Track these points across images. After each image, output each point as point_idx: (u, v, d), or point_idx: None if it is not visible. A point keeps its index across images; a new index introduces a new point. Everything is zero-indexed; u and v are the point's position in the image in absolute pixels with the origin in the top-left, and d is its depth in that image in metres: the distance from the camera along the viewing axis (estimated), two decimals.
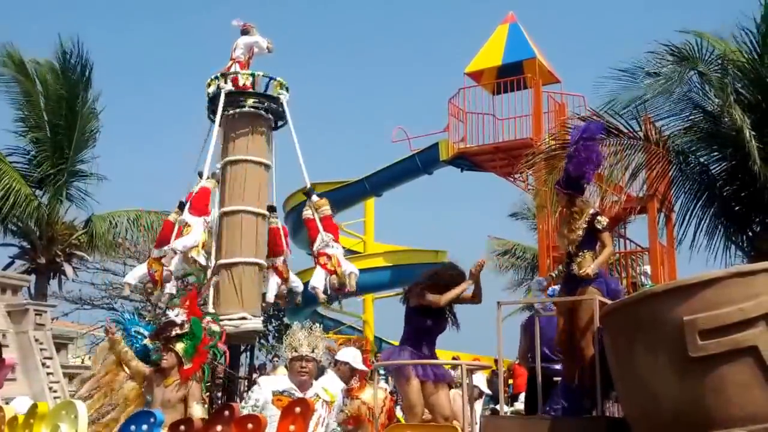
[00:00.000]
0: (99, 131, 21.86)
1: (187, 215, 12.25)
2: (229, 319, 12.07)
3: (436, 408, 7.25)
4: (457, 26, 68.88)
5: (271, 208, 13.20)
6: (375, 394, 8.23)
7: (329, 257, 12.45)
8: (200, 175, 12.86)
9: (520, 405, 12.48)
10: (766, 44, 12.37)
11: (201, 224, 12.18)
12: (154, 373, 7.89)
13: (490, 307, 7.48)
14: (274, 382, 7.44)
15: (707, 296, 5.49)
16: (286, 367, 7.83)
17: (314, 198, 13.08)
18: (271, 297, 12.79)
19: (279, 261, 12.86)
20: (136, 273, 12.82)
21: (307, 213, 13.03)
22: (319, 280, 12.42)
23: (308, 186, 13.37)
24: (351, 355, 8.94)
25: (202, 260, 12.08)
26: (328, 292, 12.82)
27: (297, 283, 13.19)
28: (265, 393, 7.07)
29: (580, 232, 7.42)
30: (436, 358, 7.55)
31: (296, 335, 7.59)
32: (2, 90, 21.33)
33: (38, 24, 58.55)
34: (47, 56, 21.56)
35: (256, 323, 12.37)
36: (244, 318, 12.27)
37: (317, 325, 7.80)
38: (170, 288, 12.52)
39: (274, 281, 12.80)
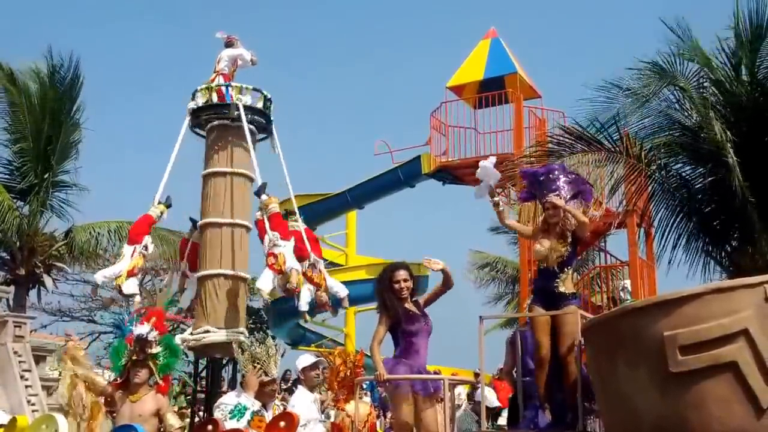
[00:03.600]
0: (81, 141, 21.78)
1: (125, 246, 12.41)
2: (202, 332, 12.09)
3: (423, 424, 7.20)
4: (439, 41, 69.14)
5: (291, 212, 12.99)
6: (356, 407, 8.25)
7: (275, 257, 11.87)
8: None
9: (502, 421, 12.48)
10: (740, 62, 12.49)
11: (129, 252, 12.25)
12: (117, 389, 7.89)
13: (469, 321, 7.50)
14: (245, 401, 7.47)
15: (688, 312, 5.52)
16: (241, 384, 7.87)
17: (263, 197, 12.45)
18: (303, 306, 12.36)
19: (305, 266, 12.28)
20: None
21: (257, 215, 12.49)
22: (265, 282, 11.88)
23: (260, 184, 12.77)
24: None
25: (128, 288, 12.09)
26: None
27: (338, 288, 12.69)
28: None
29: (569, 248, 7.58)
30: (425, 363, 7.41)
31: (262, 358, 7.61)
32: None
33: (19, 30, 58.25)
34: (32, 64, 21.41)
35: (220, 336, 12.27)
36: (208, 331, 12.19)
37: (271, 339, 7.80)
38: (132, 288, 12.36)
39: (305, 289, 12.23)
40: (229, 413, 7.37)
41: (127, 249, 12.51)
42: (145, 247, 12.50)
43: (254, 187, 12.83)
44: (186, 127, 13.32)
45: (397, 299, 7.32)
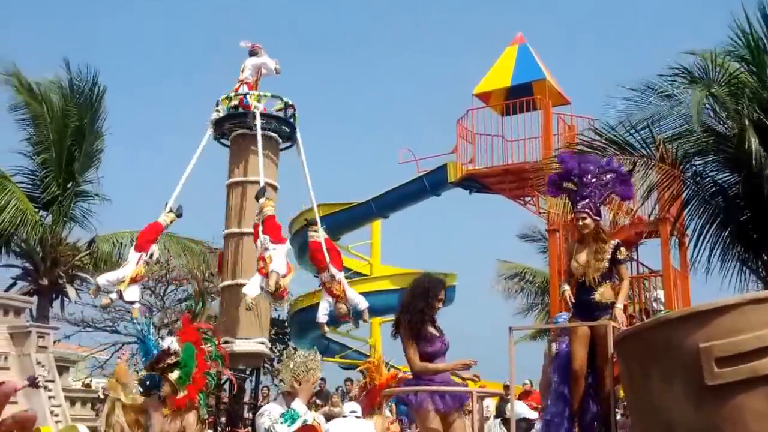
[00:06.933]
0: (103, 151, 21.82)
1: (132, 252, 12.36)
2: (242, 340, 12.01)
3: None
4: (466, 47, 68.96)
5: (310, 222, 12.91)
6: (382, 423, 8.06)
7: (265, 260, 11.93)
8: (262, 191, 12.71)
9: None
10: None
11: (135, 259, 12.20)
12: (154, 402, 7.77)
13: (497, 332, 7.28)
14: (297, 407, 7.31)
15: (724, 323, 5.38)
16: (282, 395, 7.70)
17: (260, 200, 12.52)
18: (321, 317, 12.33)
19: (326, 276, 12.41)
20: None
21: (255, 219, 12.50)
22: (252, 287, 11.94)
23: (261, 186, 12.80)
24: None
25: (129, 295, 12.09)
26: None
27: (358, 300, 12.64)
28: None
29: (606, 263, 7.46)
30: (451, 380, 7.19)
31: (313, 369, 7.43)
32: (8, 109, 21.27)
33: (43, 38, 59.04)
34: (55, 73, 21.50)
35: (260, 347, 12.22)
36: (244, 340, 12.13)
37: (315, 350, 7.63)
38: (133, 294, 12.37)
39: (324, 300, 12.40)
40: (280, 416, 7.20)
41: (132, 255, 12.63)
42: (150, 256, 12.50)
43: (277, 195, 12.73)
44: (208, 136, 13.26)
45: (426, 319, 7.06)
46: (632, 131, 12.35)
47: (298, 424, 7.07)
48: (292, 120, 13.61)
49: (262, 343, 12.27)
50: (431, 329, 7.06)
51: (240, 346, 11.99)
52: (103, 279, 12.56)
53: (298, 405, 7.34)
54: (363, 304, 12.52)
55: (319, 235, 12.62)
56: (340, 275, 12.43)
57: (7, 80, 21.08)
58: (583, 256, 7.54)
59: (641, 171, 12.07)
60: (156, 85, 70.71)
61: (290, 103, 13.53)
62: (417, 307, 7.04)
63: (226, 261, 12.92)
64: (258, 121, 12.97)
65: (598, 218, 7.58)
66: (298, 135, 13.52)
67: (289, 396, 7.61)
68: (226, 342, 12.01)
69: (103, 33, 68.00)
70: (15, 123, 21.41)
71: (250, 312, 12.10)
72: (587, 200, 7.55)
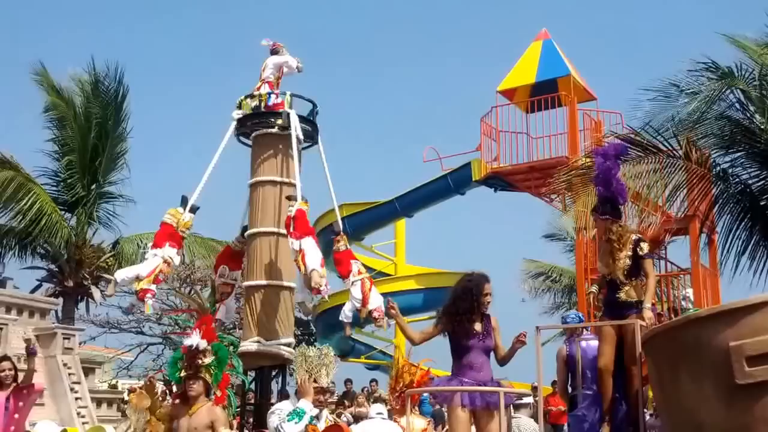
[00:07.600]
0: (127, 152, 21.90)
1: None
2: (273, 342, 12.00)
3: None
4: (490, 43, 68.74)
5: (290, 198, 12.68)
6: (408, 422, 7.98)
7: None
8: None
9: None
10: None
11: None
12: (175, 405, 7.72)
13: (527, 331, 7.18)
14: (303, 406, 7.29)
15: (754, 321, 5.29)
16: (296, 393, 7.68)
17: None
18: (297, 296, 12.35)
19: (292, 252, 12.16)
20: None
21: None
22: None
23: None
24: None
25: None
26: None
27: (311, 266, 12.40)
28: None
29: (628, 261, 7.37)
30: (491, 378, 7.16)
31: (314, 363, 7.40)
32: (41, 112, 21.40)
33: (68, 37, 59.53)
34: (77, 75, 21.59)
35: (287, 349, 12.16)
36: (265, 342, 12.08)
37: (329, 347, 7.60)
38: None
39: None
40: (287, 415, 7.21)
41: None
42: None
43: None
44: (229, 135, 13.18)
45: (474, 312, 7.11)
46: (657, 133, 12.18)
47: (305, 421, 7.10)
48: (314, 120, 13.53)
49: (258, 341, 12.17)
50: (477, 326, 7.11)
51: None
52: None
53: (304, 403, 7.35)
54: (313, 270, 12.10)
55: (292, 210, 12.38)
56: (300, 243, 11.97)
57: (37, 81, 21.21)
58: (605, 258, 7.51)
59: (668, 170, 11.94)
60: (179, 87, 71.08)
61: (315, 103, 13.46)
62: (462, 307, 7.12)
63: (250, 260, 12.86)
64: (234, 120, 12.95)
65: (606, 217, 7.50)
66: (319, 134, 13.42)
67: (301, 393, 7.62)
68: (258, 342, 12.05)
69: (122, 33, 68.38)
70: (40, 123, 21.56)
71: (243, 313, 12.15)
72: (597, 199, 7.60)
